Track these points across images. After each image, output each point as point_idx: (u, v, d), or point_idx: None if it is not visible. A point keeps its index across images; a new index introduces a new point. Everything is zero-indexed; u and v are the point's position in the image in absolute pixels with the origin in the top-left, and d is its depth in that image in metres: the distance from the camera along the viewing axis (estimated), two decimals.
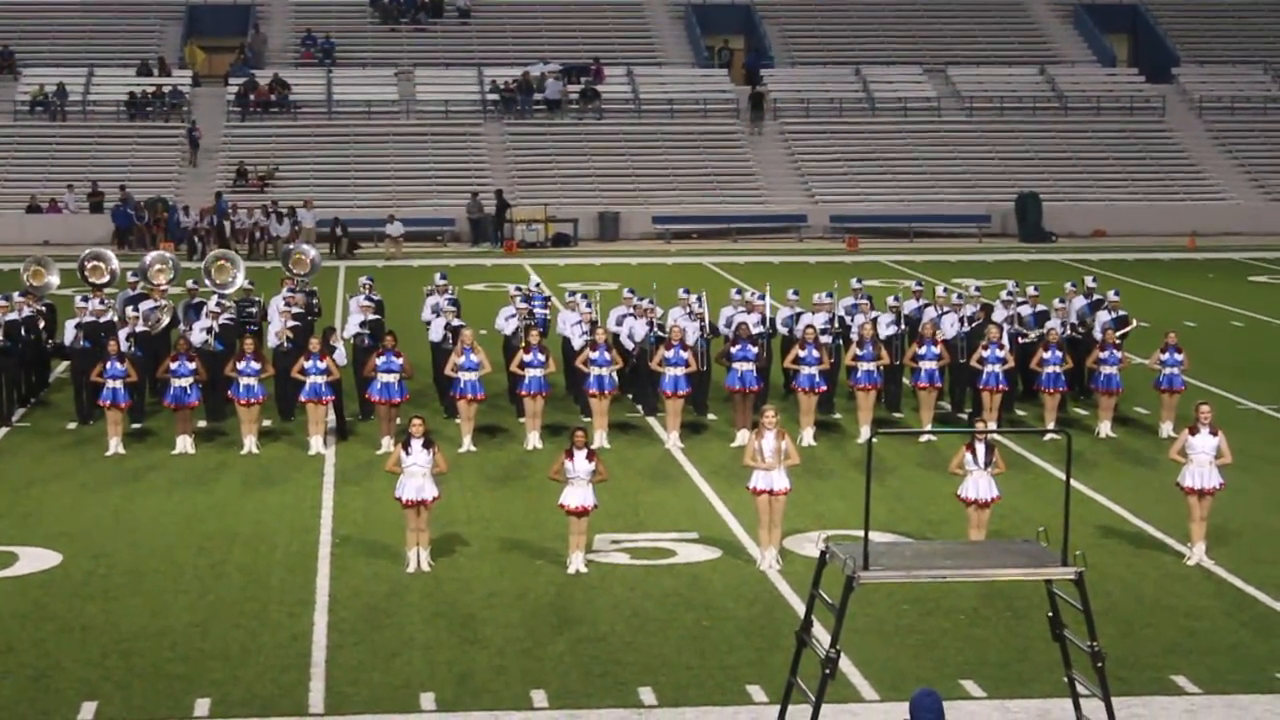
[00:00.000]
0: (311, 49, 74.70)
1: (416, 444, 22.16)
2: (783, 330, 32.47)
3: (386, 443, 28.64)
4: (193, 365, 29.03)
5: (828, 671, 14.66)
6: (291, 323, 31.48)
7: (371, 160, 68.15)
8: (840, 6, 79.61)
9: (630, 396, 32.05)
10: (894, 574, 14.97)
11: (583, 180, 67.44)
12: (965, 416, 31.36)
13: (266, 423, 30.35)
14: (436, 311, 32.32)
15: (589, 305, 32.09)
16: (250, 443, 29.01)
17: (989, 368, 29.85)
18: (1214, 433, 22.75)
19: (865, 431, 29.45)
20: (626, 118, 71.30)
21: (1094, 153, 70.80)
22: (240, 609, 20.75)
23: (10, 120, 69.03)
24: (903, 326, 32.48)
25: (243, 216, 60.85)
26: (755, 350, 29.84)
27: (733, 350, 29.81)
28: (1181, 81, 75.62)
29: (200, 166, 66.46)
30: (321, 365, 28.79)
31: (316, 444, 29.00)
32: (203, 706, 17.75)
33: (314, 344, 29.29)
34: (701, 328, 31.29)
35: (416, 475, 22.12)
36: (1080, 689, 15.34)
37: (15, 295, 33.11)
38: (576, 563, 22.21)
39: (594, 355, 29.22)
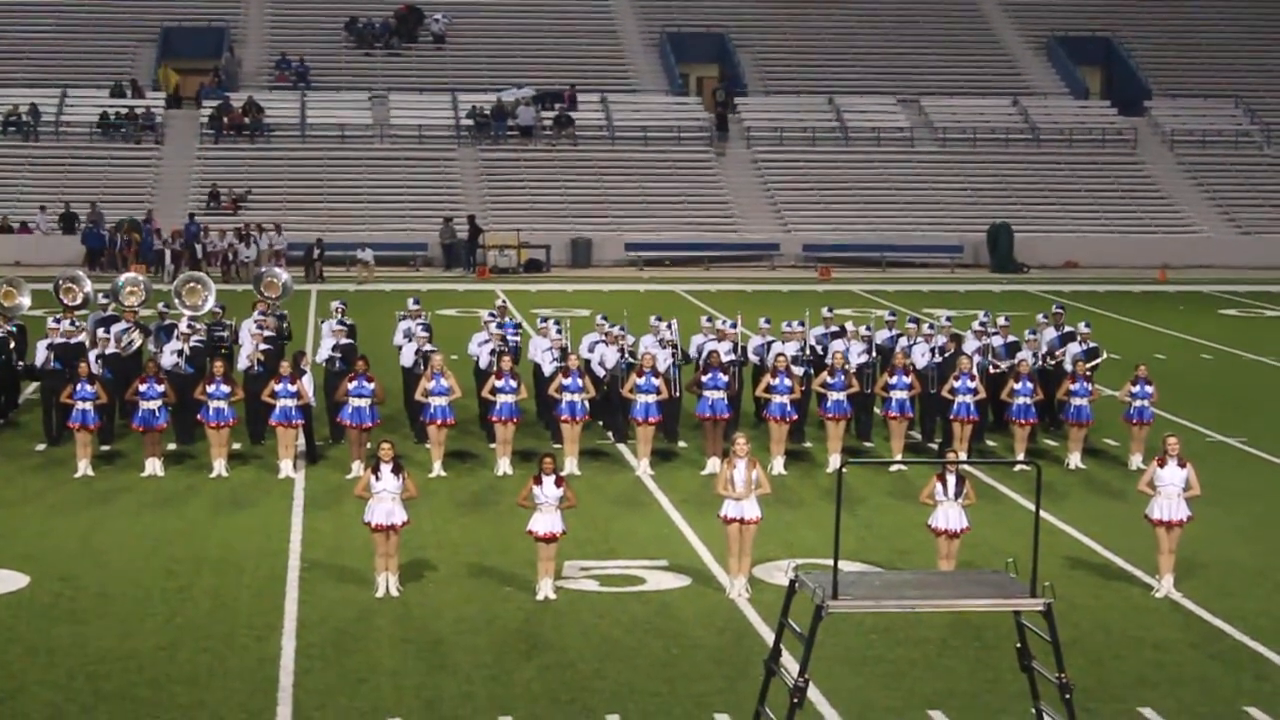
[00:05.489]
0: (286, 72, 74.65)
1: (386, 469, 22.12)
2: (754, 359, 32.50)
3: (356, 467, 28.58)
4: (161, 388, 28.96)
5: (796, 700, 14.66)
6: (263, 346, 31.43)
7: (345, 184, 68.05)
8: (814, 36, 79.79)
9: (601, 423, 32.04)
10: (863, 603, 14.99)
11: (556, 206, 67.45)
12: (935, 446, 31.41)
13: (236, 446, 30.27)
14: (409, 336, 32.28)
15: (560, 331, 32.08)
16: (220, 466, 28.93)
17: (960, 398, 29.86)
18: (1182, 465, 22.80)
19: (835, 461, 29.44)
20: (600, 144, 71.33)
21: (1066, 184, 71.01)
22: (208, 632, 20.70)
23: None
24: (874, 355, 32.53)
25: (215, 239, 60.76)
26: (726, 379, 29.84)
27: (703, 378, 29.81)
28: (1154, 114, 75.91)
29: (173, 188, 66.28)
30: (292, 389, 28.74)
31: (286, 468, 28.94)
32: None
33: (284, 367, 29.22)
34: (674, 355, 31.30)
35: (386, 500, 22.08)
36: None
37: None
38: (545, 589, 22.18)
39: (565, 381, 29.19)
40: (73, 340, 31.74)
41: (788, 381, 29.52)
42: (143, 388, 28.87)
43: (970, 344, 32.63)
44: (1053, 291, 55.55)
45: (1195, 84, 78.25)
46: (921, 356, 31.78)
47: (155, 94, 72.61)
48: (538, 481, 22.03)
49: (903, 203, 69.09)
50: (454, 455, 29.97)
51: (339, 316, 33.20)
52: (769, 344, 32.35)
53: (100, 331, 32.17)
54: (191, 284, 36.24)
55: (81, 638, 20.48)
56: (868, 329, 33.41)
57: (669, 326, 32.20)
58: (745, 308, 40.85)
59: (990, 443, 31.91)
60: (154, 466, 28.96)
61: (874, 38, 79.60)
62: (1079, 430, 30.50)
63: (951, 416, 30.07)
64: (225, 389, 28.85)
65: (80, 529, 25.50)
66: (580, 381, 29.29)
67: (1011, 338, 33.23)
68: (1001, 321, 33.81)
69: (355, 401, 28.72)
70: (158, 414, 28.88)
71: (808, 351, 32.12)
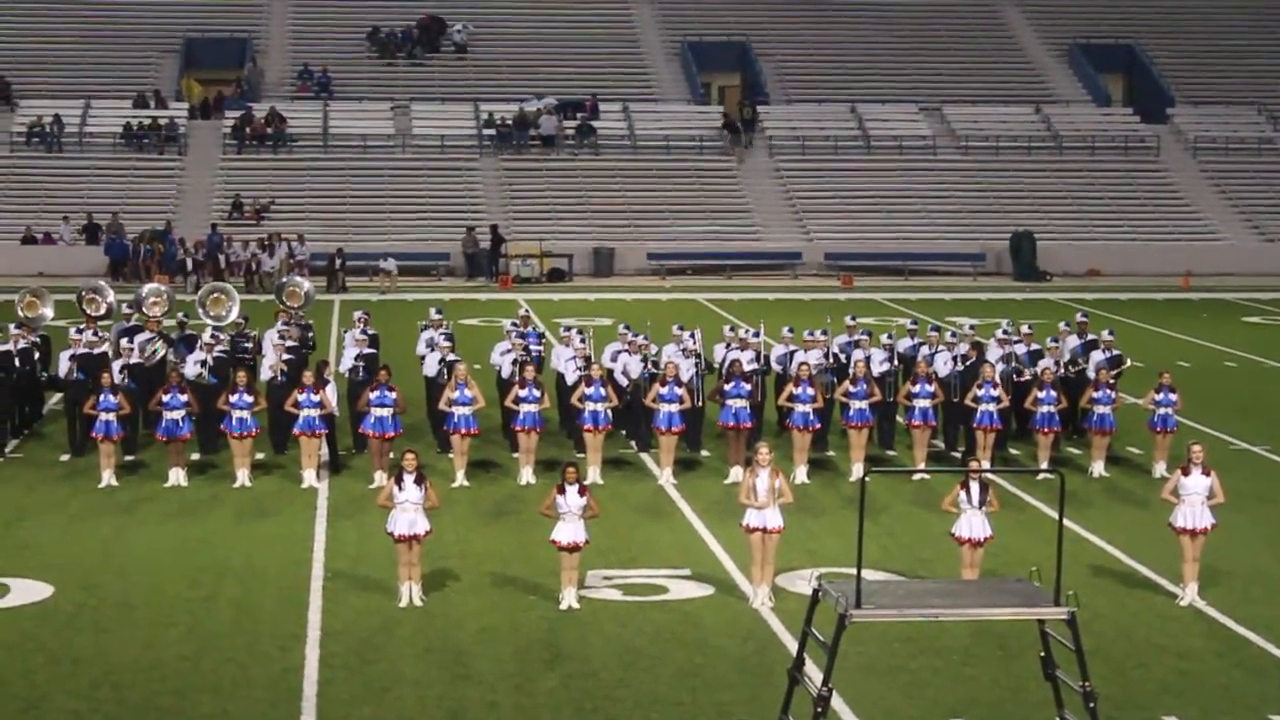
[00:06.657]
0: (308, 82, 74.78)
1: (409, 479, 22.13)
2: (776, 368, 32.48)
3: (379, 477, 28.58)
4: (184, 398, 28.99)
5: (819, 710, 14.65)
6: (286, 356, 31.47)
7: (367, 194, 68.19)
8: (836, 44, 79.77)
9: (624, 432, 32.02)
10: (886, 613, 14.97)
11: (578, 216, 67.50)
12: (959, 455, 31.35)
13: (259, 456, 30.29)
14: (431, 346, 32.30)
15: (583, 341, 32.08)
16: (243, 476, 28.97)
17: (983, 406, 29.82)
18: (1206, 473, 22.74)
19: (858, 469, 29.45)
20: (622, 154, 71.39)
21: (1089, 192, 70.92)
22: (231, 642, 20.71)
23: (6, 151, 69.01)
24: (897, 364, 32.46)
25: (238, 249, 60.87)
26: (748, 387, 29.82)
27: (726, 387, 29.79)
28: (1176, 122, 75.79)
29: (195, 198, 66.44)
30: (315, 398, 28.77)
31: (309, 477, 28.96)
32: None
33: (307, 377, 29.25)
34: (696, 364, 31.28)
35: (408, 510, 22.09)
36: None
37: (11, 327, 33.10)
38: (568, 599, 22.17)
39: (588, 391, 29.21)
40: (95, 351, 31.83)
41: (810, 390, 29.48)
42: (166, 398, 28.91)
43: (993, 352, 32.57)
44: (1075, 299, 55.46)
45: (1218, 91, 78.13)
46: (944, 365, 31.74)
47: (178, 105, 72.78)
48: (561, 491, 22.03)
49: (925, 211, 69.05)
50: (477, 465, 29.99)
51: (362, 326, 33.24)
52: (791, 353, 32.33)
53: (124, 342, 32.22)
54: (216, 294, 36.33)
55: (105, 647, 20.51)
56: (889, 337, 33.36)
57: (692, 336, 32.20)
58: (768, 316, 40.83)
59: (1013, 451, 31.86)
60: (177, 476, 29.00)
61: (896, 46, 79.53)
62: (1102, 438, 30.44)
63: (974, 425, 30.02)
64: (248, 399, 28.88)
65: (104, 539, 25.55)
66: (603, 391, 29.30)
67: (1034, 346, 33.19)
68: (1024, 330, 33.77)
69: (378, 411, 28.73)
70: (181, 424, 28.93)
71: (831, 360, 32.09)
